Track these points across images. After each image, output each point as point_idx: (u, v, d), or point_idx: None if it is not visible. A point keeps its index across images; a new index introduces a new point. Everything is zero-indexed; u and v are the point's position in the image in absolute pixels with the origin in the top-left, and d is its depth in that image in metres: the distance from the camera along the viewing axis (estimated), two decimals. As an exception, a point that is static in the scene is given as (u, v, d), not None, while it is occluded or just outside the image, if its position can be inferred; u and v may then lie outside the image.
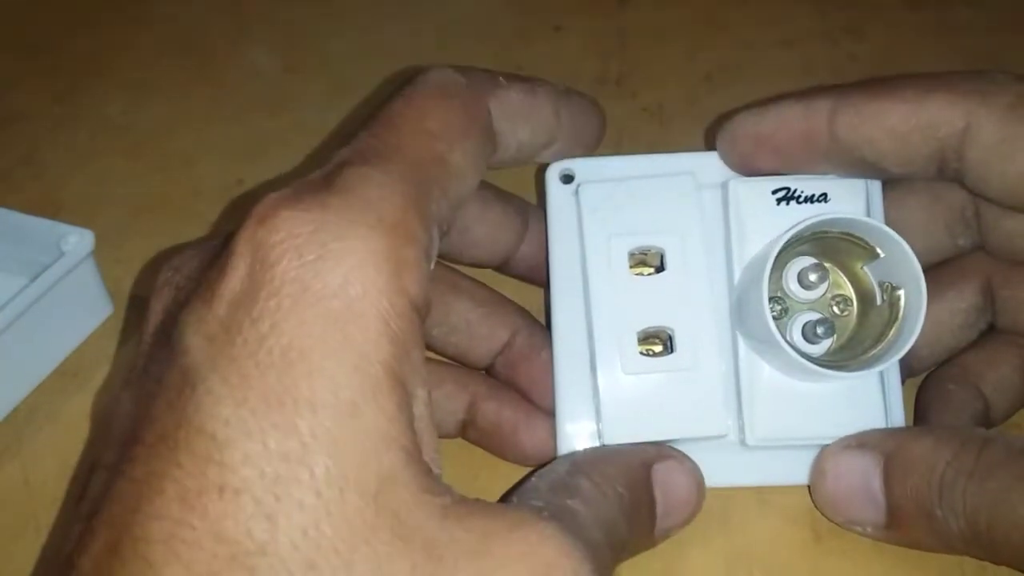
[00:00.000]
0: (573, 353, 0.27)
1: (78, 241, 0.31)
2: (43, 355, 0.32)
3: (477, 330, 0.29)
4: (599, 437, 0.26)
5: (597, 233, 0.27)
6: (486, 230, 0.29)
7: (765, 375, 0.27)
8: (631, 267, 0.27)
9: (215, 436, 0.18)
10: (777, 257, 0.25)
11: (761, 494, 0.28)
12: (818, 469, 0.26)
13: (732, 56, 0.43)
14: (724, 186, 0.27)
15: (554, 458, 0.27)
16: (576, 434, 0.27)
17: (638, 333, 0.26)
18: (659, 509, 0.25)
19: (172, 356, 0.19)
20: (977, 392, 0.28)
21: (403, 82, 0.24)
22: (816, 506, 0.27)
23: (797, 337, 0.26)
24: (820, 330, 0.26)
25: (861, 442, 0.26)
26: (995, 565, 0.24)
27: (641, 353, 0.26)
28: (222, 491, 0.17)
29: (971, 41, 0.42)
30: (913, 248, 0.25)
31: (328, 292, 0.19)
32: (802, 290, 0.26)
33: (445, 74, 0.24)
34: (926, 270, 0.25)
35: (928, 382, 0.29)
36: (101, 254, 0.32)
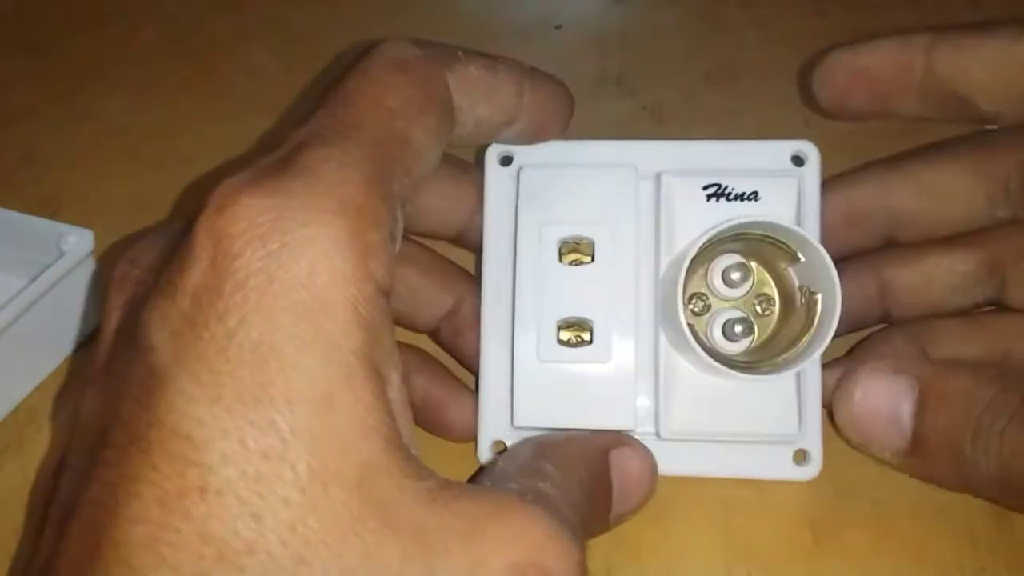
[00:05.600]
0: (500, 336, 0.28)
1: (78, 241, 0.31)
2: (43, 355, 0.32)
3: (422, 296, 0.29)
4: (511, 420, 0.27)
5: (530, 219, 0.27)
6: (439, 199, 0.28)
7: (682, 369, 0.27)
8: (565, 255, 0.27)
9: (191, 437, 0.18)
10: (703, 253, 0.25)
11: (761, 495, 0.28)
12: (845, 388, 0.26)
13: (732, 56, 0.43)
14: (657, 178, 0.27)
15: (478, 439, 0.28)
16: (497, 413, 0.27)
17: (559, 322, 0.26)
18: (615, 494, 0.25)
19: (137, 354, 0.19)
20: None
21: (357, 56, 0.23)
22: (835, 424, 0.26)
23: (717, 334, 0.26)
24: (739, 329, 0.26)
25: (896, 367, 0.25)
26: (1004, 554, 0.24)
27: (562, 341, 0.26)
28: (204, 492, 0.17)
29: (971, 41, 0.42)
30: (949, 215, 0.25)
31: (295, 283, 0.18)
32: (726, 288, 0.26)
33: (401, 47, 0.23)
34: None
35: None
36: (101, 254, 0.32)
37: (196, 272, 0.19)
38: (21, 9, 0.47)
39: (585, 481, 0.24)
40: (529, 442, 0.25)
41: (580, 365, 0.26)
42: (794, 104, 0.39)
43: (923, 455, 0.24)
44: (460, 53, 0.24)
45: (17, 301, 0.30)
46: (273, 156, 0.20)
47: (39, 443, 0.31)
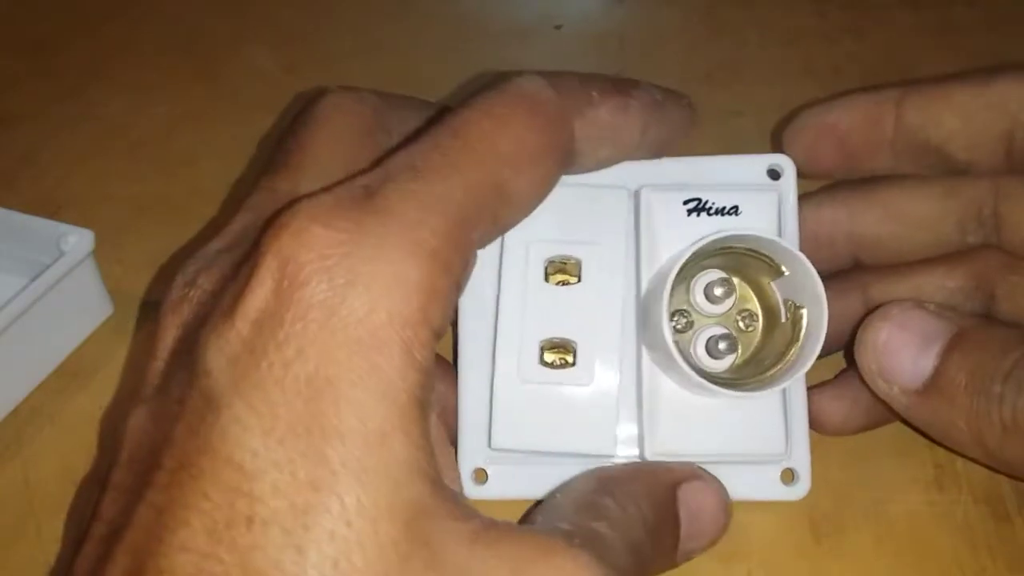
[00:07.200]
0: (478, 357, 0.27)
1: (78, 241, 0.31)
2: (43, 355, 0.32)
3: None
4: (489, 442, 0.26)
5: (517, 237, 0.26)
6: None
7: (666, 389, 0.26)
8: (552, 274, 0.26)
9: (243, 467, 0.17)
10: (684, 270, 0.24)
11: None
12: (881, 315, 0.25)
13: (732, 56, 0.43)
14: (636, 194, 0.27)
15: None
16: (477, 439, 0.26)
17: (542, 342, 0.26)
18: (683, 531, 0.24)
19: (193, 377, 0.19)
20: None
21: (487, 85, 0.22)
22: (856, 348, 0.25)
23: (701, 351, 0.26)
24: (723, 346, 0.25)
25: (939, 311, 0.25)
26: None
27: (545, 362, 0.26)
28: (250, 522, 0.17)
29: (971, 41, 0.42)
30: (918, 241, 0.24)
31: (354, 319, 0.18)
32: (708, 304, 0.26)
33: (535, 85, 0.22)
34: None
35: None
36: (101, 254, 0.32)
37: (259, 296, 0.19)
38: (22, 9, 0.47)
39: (649, 519, 0.23)
40: (592, 475, 0.25)
41: (561, 387, 0.26)
42: (794, 105, 0.39)
43: (937, 396, 0.24)
44: (595, 93, 0.23)
45: (17, 301, 0.30)
46: (358, 183, 0.20)
47: (39, 443, 0.31)
